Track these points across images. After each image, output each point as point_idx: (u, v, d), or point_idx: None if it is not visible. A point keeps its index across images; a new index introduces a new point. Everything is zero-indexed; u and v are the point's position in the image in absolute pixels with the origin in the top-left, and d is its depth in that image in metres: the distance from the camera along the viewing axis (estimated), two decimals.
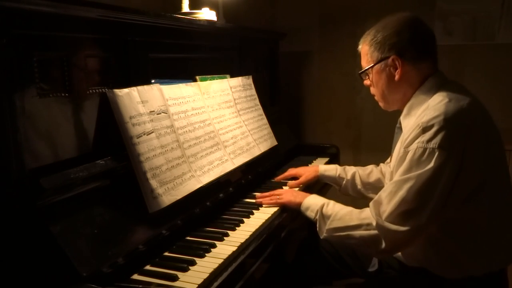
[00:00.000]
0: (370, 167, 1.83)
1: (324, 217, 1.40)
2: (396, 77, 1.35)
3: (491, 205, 1.25)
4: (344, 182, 1.85)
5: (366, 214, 1.30)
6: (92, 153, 1.23)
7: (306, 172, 1.93)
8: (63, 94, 1.15)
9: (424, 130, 1.20)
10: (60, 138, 1.15)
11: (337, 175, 1.87)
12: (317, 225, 1.43)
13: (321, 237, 1.41)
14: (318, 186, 1.98)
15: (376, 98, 1.49)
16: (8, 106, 0.98)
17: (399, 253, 1.42)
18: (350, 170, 1.86)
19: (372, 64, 1.39)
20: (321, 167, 1.94)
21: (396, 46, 1.33)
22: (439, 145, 1.17)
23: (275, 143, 2.12)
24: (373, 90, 1.47)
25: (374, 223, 1.25)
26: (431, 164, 1.17)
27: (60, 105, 1.15)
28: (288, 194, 1.63)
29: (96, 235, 1.08)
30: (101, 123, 1.27)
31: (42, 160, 1.09)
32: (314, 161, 2.33)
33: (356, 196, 1.86)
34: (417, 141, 1.21)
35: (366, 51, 1.41)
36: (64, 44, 1.15)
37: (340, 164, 2.47)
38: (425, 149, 1.19)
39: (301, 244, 1.86)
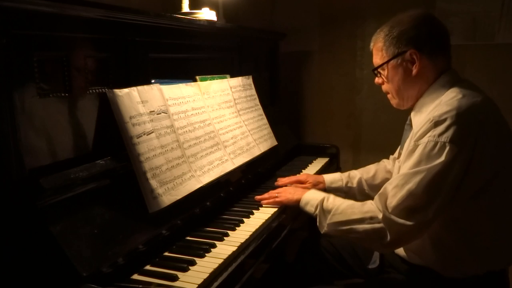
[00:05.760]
0: (373, 169, 1.79)
1: (324, 211, 1.38)
2: (414, 71, 1.34)
3: (496, 202, 1.25)
4: (351, 190, 1.80)
5: (369, 207, 1.29)
6: (92, 153, 1.23)
7: (314, 181, 1.82)
8: (63, 94, 1.15)
9: (436, 124, 1.19)
10: (60, 138, 1.15)
11: (344, 185, 1.80)
12: (317, 220, 1.41)
13: (322, 232, 1.39)
14: None
15: (389, 96, 1.48)
16: (8, 106, 0.98)
17: (402, 251, 1.42)
18: (355, 176, 1.80)
19: (388, 59, 1.38)
20: (327, 179, 1.83)
21: (414, 40, 1.33)
22: (451, 139, 1.17)
23: (275, 143, 2.12)
24: (386, 87, 1.45)
25: (379, 216, 1.23)
26: (442, 158, 1.17)
27: (60, 105, 1.15)
28: (286, 191, 1.61)
29: (96, 235, 1.08)
30: (101, 123, 1.27)
31: (42, 160, 1.09)
32: (314, 161, 2.33)
33: (361, 200, 1.78)
34: (428, 134, 1.20)
35: (380, 47, 1.40)
36: (64, 44, 1.15)
37: (339, 164, 2.48)
38: (436, 143, 1.18)
39: (302, 244, 1.86)
